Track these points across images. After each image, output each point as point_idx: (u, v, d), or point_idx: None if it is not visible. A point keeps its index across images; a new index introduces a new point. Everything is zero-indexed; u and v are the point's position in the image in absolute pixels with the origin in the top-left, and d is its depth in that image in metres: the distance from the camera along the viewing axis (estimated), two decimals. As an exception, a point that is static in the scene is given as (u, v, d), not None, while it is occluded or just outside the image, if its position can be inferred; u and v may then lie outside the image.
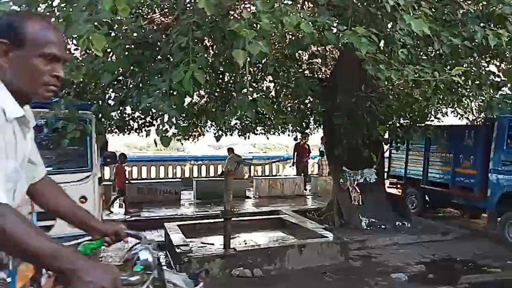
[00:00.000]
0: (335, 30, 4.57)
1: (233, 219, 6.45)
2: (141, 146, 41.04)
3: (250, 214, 9.27)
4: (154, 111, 6.76)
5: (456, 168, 8.24)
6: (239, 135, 13.22)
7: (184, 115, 9.10)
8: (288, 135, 14.01)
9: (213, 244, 6.53)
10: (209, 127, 12.98)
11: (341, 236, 6.84)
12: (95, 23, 3.17)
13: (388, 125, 7.71)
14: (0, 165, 1.16)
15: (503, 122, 7.29)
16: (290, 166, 15.71)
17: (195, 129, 12.35)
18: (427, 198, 9.27)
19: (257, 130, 13.16)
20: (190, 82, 3.81)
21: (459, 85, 5.64)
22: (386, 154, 10.17)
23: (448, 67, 5.99)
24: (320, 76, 9.38)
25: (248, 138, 13.40)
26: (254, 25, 3.51)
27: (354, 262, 6.29)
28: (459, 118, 13.99)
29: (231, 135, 13.06)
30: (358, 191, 8.26)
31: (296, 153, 14.44)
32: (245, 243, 6.66)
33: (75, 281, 1.07)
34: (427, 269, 6.05)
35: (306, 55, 8.86)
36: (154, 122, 9.78)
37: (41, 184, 1.57)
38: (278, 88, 8.67)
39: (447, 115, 14.05)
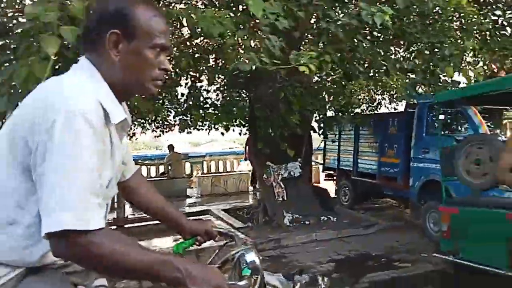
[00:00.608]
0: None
1: (146, 223, 5.95)
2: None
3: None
4: None
5: (381, 157, 7.92)
6: (180, 131, 12.67)
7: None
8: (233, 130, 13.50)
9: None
10: (148, 123, 12.43)
11: (255, 235, 6.46)
12: None
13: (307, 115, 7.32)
14: (95, 185, 1.02)
15: (423, 107, 6.97)
16: (241, 161, 15.28)
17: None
18: (359, 190, 8.94)
19: (200, 126, 12.66)
20: (27, 79, 3.28)
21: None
22: (319, 146, 9.86)
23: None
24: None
25: (190, 133, 12.85)
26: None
27: (259, 264, 5.87)
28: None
29: (172, 131, 12.49)
30: (283, 186, 7.87)
31: (248, 147, 13.98)
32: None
33: None
34: (336, 268, 5.70)
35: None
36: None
37: (132, 180, 1.48)
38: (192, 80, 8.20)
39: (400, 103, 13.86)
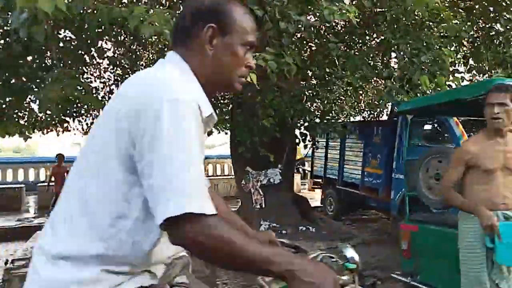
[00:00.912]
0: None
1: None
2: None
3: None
4: None
5: (365, 167, 7.62)
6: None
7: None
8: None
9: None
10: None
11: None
12: None
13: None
14: (200, 171, 1.01)
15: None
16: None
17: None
18: (343, 200, 8.62)
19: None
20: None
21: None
22: (307, 152, 9.58)
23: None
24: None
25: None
26: None
27: (222, 275, 5.63)
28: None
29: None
30: (261, 193, 7.62)
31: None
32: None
33: (294, 282, 0.98)
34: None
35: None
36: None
37: None
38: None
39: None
